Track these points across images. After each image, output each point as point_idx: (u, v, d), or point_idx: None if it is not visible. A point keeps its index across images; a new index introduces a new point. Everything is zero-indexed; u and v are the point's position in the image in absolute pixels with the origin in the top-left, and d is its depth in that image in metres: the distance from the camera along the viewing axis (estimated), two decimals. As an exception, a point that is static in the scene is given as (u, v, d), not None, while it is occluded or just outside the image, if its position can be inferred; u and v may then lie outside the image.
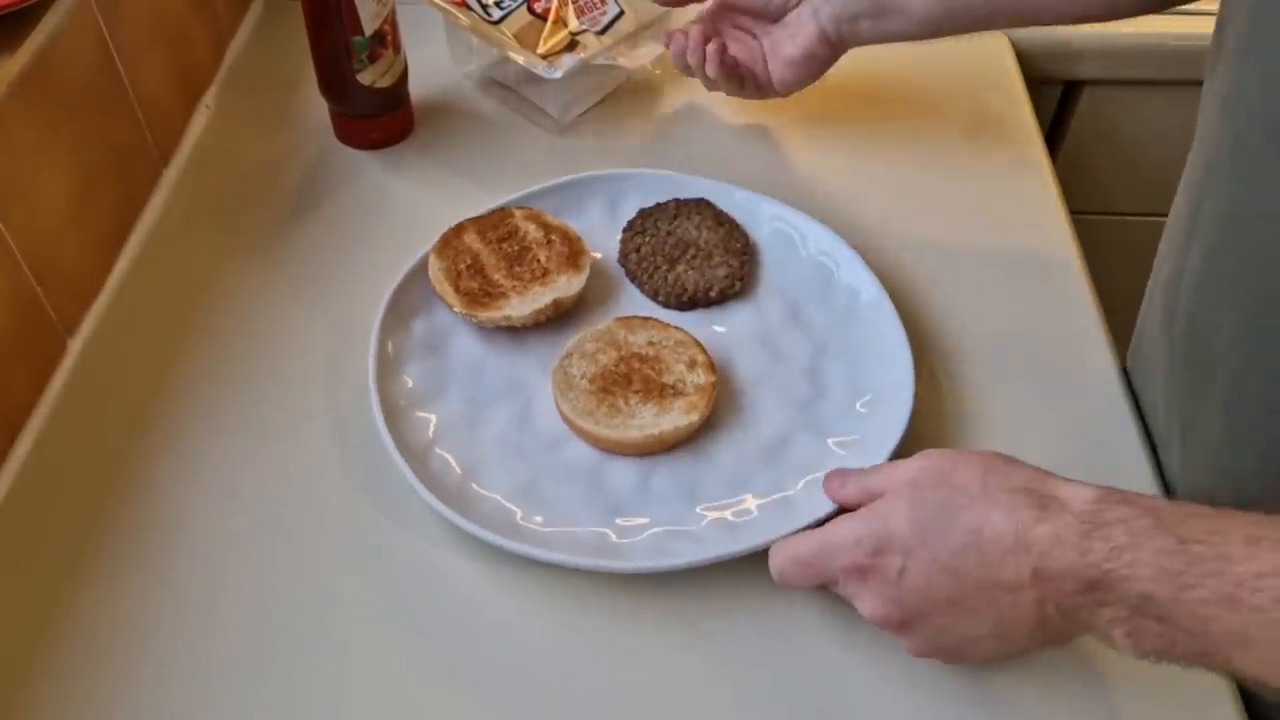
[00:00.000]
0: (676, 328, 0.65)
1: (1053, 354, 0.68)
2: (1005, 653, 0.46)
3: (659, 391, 0.61)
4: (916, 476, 0.47)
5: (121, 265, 0.73)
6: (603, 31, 0.81)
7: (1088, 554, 0.41)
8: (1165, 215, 0.62)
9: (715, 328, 0.68)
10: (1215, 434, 0.54)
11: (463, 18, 0.79)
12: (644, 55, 0.83)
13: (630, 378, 0.62)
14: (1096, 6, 0.66)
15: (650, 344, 0.64)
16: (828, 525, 0.50)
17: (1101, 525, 0.42)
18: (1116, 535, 0.41)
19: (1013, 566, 0.43)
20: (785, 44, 0.73)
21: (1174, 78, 0.95)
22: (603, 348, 0.63)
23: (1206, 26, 0.55)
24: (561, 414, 0.62)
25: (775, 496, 0.59)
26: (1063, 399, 0.65)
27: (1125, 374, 0.66)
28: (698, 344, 0.64)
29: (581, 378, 0.62)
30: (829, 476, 0.54)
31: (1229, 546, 0.39)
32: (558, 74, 0.77)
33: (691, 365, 0.62)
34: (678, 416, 0.60)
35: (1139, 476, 0.61)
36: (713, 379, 0.62)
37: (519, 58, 0.78)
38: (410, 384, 0.64)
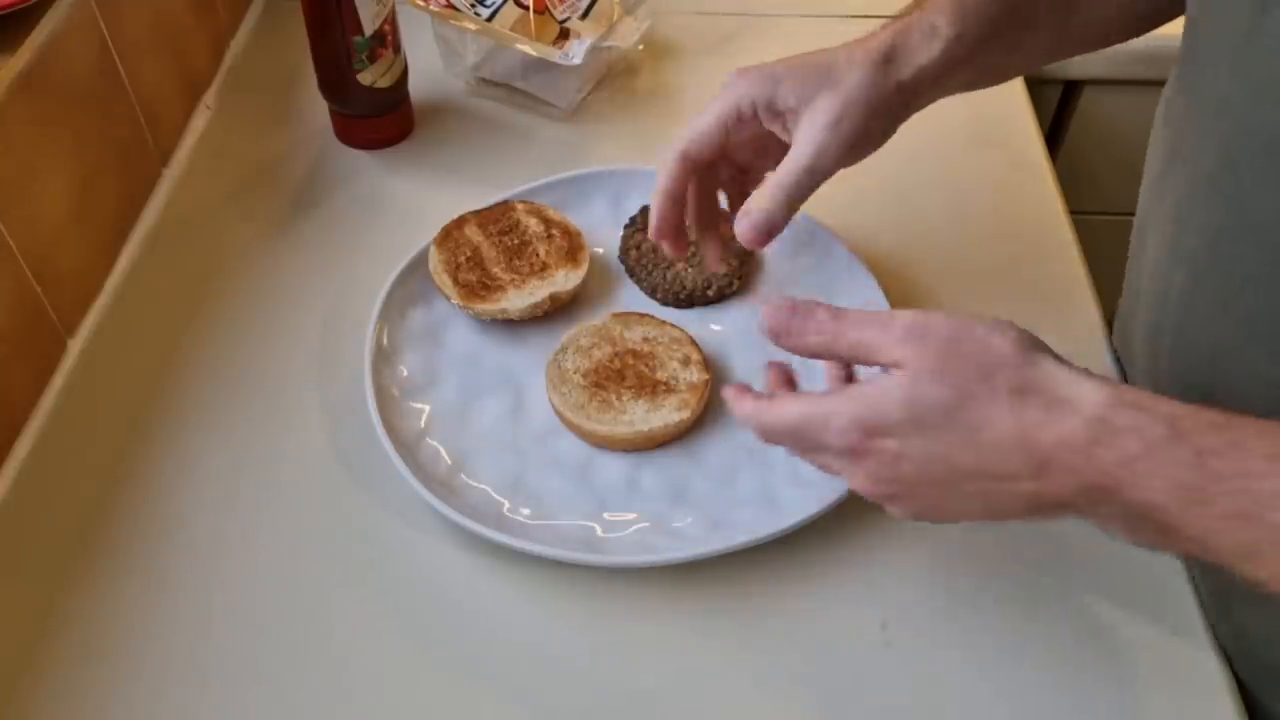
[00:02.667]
0: (672, 324, 0.65)
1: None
2: (992, 520, 0.45)
3: (651, 388, 0.61)
4: (916, 364, 0.43)
5: (121, 265, 0.73)
6: (584, 15, 0.81)
7: (1093, 459, 0.40)
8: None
9: (712, 326, 0.68)
10: None
11: (468, 21, 0.80)
12: (632, 32, 0.83)
13: (624, 373, 0.62)
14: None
15: (645, 340, 0.64)
16: (817, 397, 0.46)
17: (1112, 432, 0.40)
18: (1128, 444, 0.39)
19: (1012, 465, 0.41)
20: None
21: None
22: (598, 342, 0.63)
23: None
24: (553, 407, 0.62)
25: (762, 496, 0.59)
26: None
27: (1124, 373, 0.66)
28: (692, 341, 0.64)
29: (575, 372, 0.62)
30: (809, 310, 0.47)
31: (1250, 462, 0.38)
32: (576, 60, 0.78)
33: (685, 362, 0.62)
34: (669, 413, 0.60)
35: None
36: (705, 377, 0.62)
37: (531, 49, 0.78)
38: (405, 373, 0.64)
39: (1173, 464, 0.39)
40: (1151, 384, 0.59)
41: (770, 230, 0.53)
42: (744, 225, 0.53)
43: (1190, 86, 0.52)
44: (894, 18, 0.54)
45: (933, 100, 0.55)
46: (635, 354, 0.63)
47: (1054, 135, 1.02)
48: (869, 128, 0.53)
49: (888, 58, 0.53)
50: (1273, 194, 0.45)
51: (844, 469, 0.46)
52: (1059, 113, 1.02)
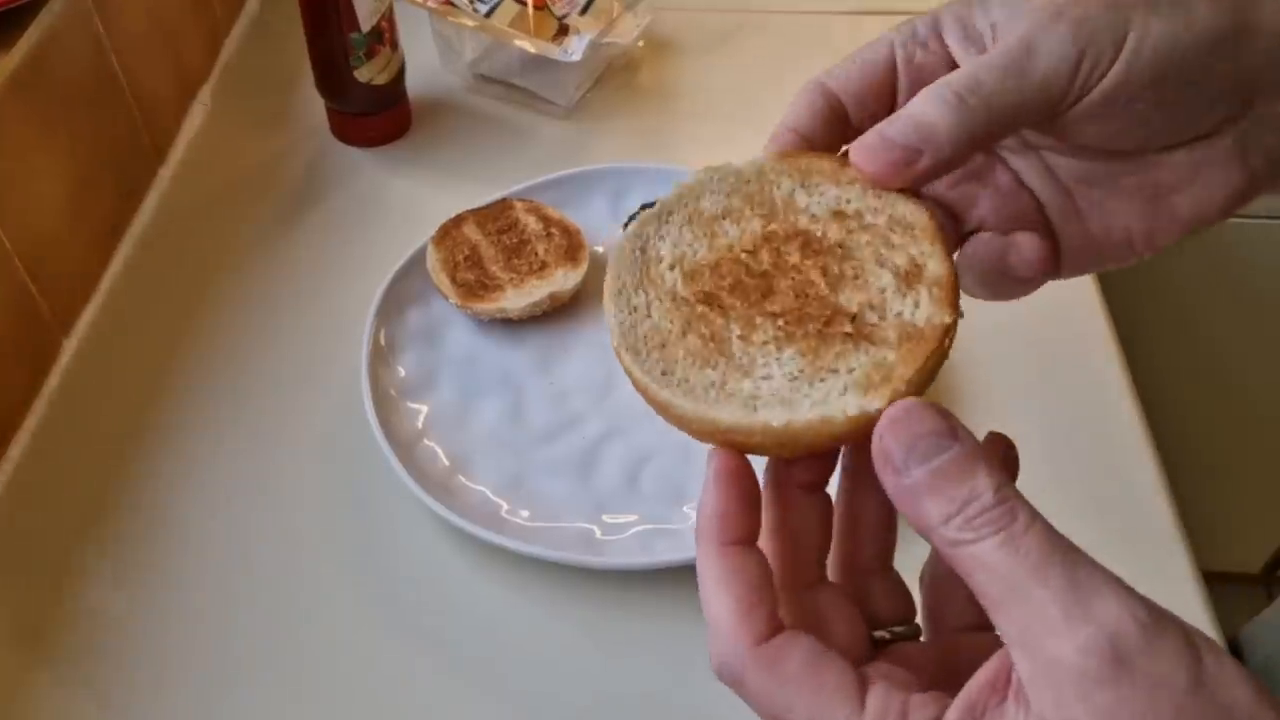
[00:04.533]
0: (902, 194, 0.31)
1: (1054, 356, 0.67)
2: None
3: (822, 325, 0.29)
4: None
5: (117, 264, 0.72)
6: (584, 11, 0.81)
7: None
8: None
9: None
10: None
11: (466, 17, 0.79)
12: (632, 28, 0.83)
13: (773, 281, 0.30)
14: None
15: (838, 216, 0.31)
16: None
17: None
18: None
19: None
20: (1147, 199, 0.32)
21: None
22: (738, 209, 0.32)
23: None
24: (613, 339, 0.30)
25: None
26: (1065, 401, 0.65)
27: (1131, 375, 0.65)
28: (938, 231, 0.30)
29: (674, 269, 0.31)
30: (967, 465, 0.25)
31: None
32: (576, 56, 0.77)
33: (909, 278, 0.29)
34: (842, 394, 0.28)
35: (1133, 451, 0.61)
36: (946, 320, 0.29)
37: (529, 45, 0.78)
38: (403, 374, 0.64)
39: None
40: None
41: (915, 151, 0.29)
42: (871, 140, 0.30)
43: None
44: None
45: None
46: (810, 242, 0.31)
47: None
48: (1146, 118, 0.29)
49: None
50: None
51: None
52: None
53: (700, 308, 0.30)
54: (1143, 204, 0.31)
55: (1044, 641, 0.22)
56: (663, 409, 0.29)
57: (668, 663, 0.54)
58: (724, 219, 0.31)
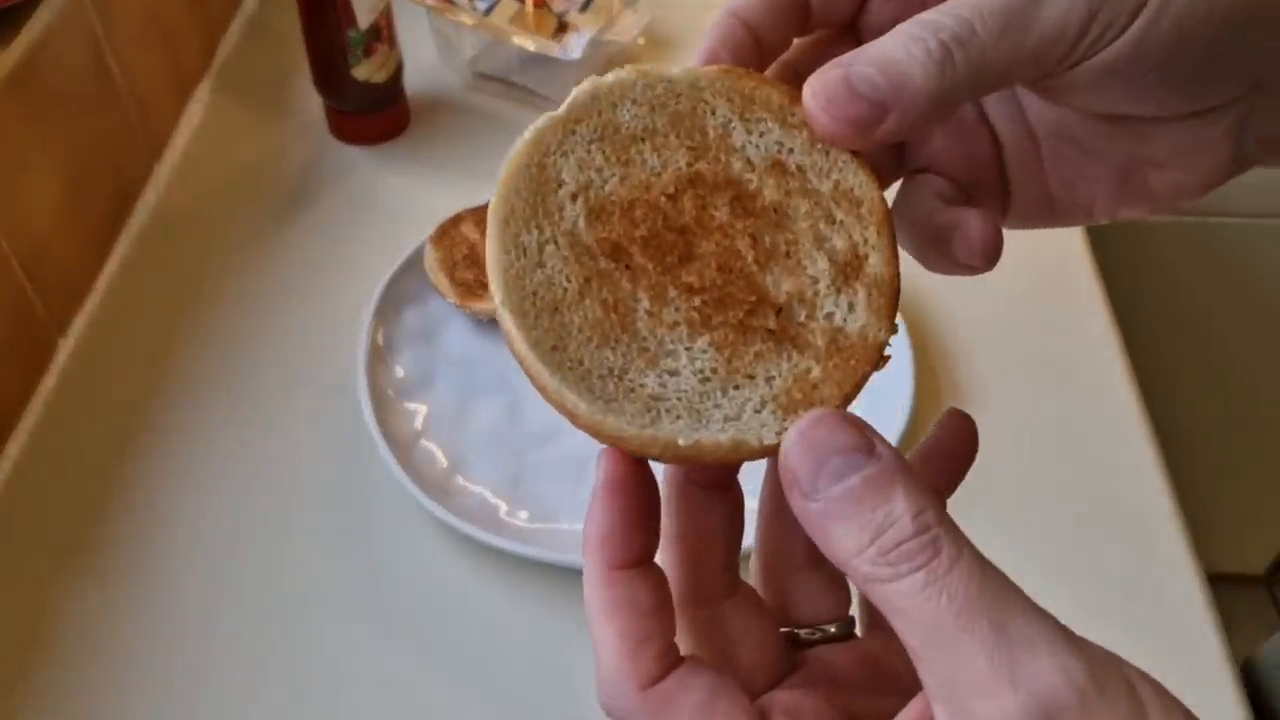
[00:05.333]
0: (850, 157, 0.26)
1: (1056, 356, 0.67)
2: None
3: (743, 315, 0.25)
4: None
5: (113, 263, 0.72)
6: (583, 9, 0.80)
7: None
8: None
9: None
10: None
11: (465, 15, 0.79)
12: (631, 27, 0.82)
13: (693, 242, 0.25)
14: None
15: (776, 169, 0.26)
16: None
17: None
18: None
19: None
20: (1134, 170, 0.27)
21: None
22: (670, 129, 0.26)
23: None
24: (492, 284, 0.25)
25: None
26: (1067, 400, 0.64)
27: (1135, 375, 0.65)
28: (886, 216, 0.26)
29: (579, 196, 0.25)
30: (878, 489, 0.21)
31: None
32: (575, 54, 0.77)
33: (848, 270, 0.25)
34: (762, 413, 0.24)
35: (1136, 452, 0.60)
36: (883, 337, 0.25)
37: (529, 43, 0.77)
38: (401, 374, 0.63)
39: None
40: None
41: (880, 109, 0.23)
42: (831, 79, 0.24)
43: None
44: None
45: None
46: (742, 199, 0.26)
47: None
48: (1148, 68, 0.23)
49: None
50: None
51: None
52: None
53: (605, 263, 0.24)
54: (1116, 173, 0.27)
55: (968, 701, 0.19)
56: (547, 392, 0.24)
57: (667, 665, 0.53)
58: (643, 142, 0.26)
